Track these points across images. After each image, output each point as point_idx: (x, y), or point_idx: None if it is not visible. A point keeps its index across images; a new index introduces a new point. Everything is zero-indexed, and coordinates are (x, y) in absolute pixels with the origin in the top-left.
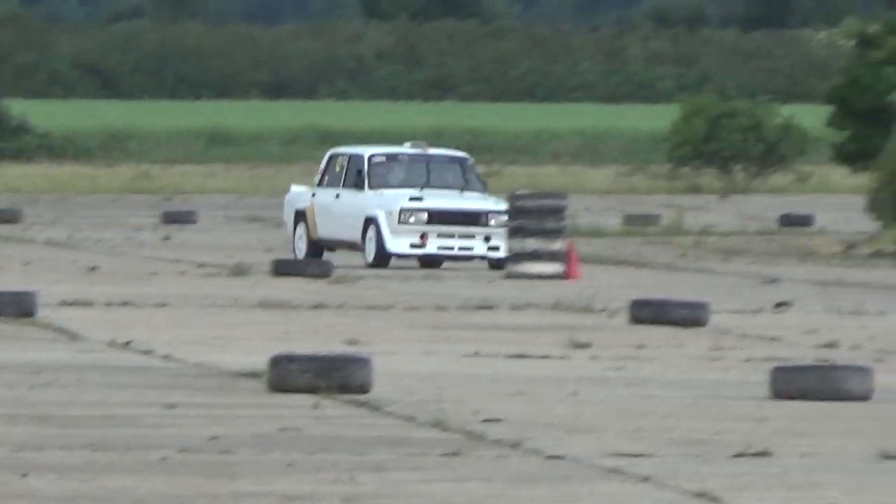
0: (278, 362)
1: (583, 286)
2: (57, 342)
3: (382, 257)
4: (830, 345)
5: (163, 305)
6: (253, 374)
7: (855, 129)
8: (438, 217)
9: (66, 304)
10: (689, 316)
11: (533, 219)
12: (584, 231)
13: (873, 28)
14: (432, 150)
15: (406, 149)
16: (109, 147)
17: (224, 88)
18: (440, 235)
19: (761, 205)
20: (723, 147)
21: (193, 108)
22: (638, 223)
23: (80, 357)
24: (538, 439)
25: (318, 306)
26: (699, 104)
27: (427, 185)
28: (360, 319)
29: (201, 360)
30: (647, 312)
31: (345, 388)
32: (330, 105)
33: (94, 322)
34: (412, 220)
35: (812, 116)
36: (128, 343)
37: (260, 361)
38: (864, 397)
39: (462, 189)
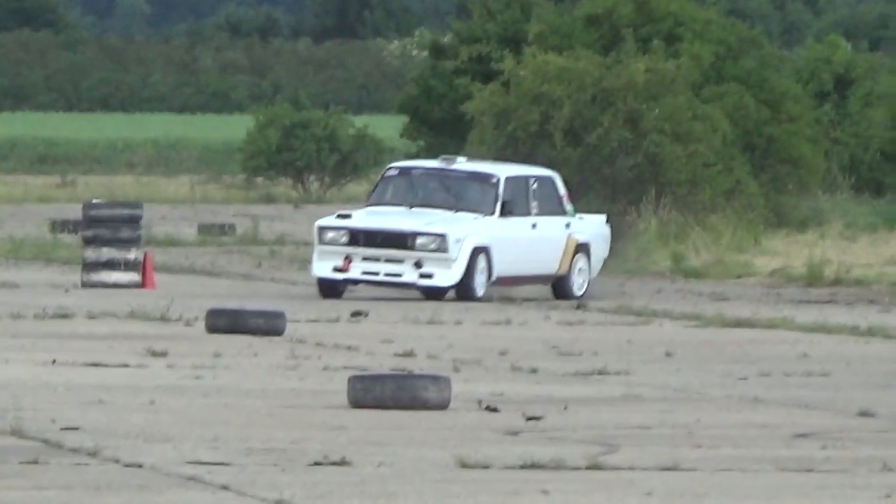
0: None
1: (159, 295)
2: None
3: (320, 285)
4: (407, 354)
5: None
6: None
7: (429, 140)
8: (364, 238)
9: None
10: (265, 325)
11: (108, 228)
12: (159, 240)
13: (445, 38)
14: (457, 166)
15: (426, 162)
16: None
17: None
18: (365, 259)
19: None
20: (297, 157)
21: None
22: (213, 233)
23: None
24: (117, 447)
25: None
26: (273, 114)
27: (423, 202)
28: None
29: None
30: (224, 321)
31: None
32: None
33: None
34: (329, 239)
35: (386, 127)
36: None
37: None
38: (441, 406)
39: (456, 209)
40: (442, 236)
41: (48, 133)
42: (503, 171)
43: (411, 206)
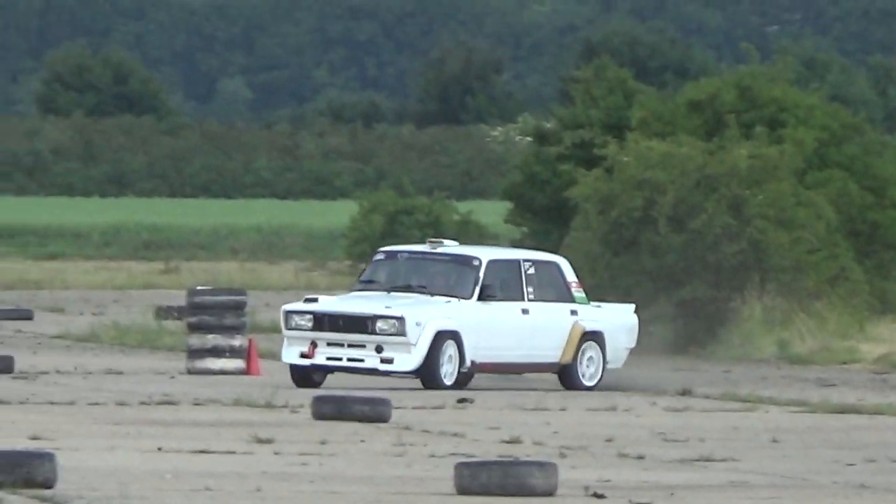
0: None
1: (264, 382)
2: None
3: (291, 372)
4: (514, 440)
5: None
6: None
7: (533, 225)
8: (329, 322)
9: None
10: (371, 412)
11: (213, 315)
12: (264, 327)
13: (548, 124)
14: (443, 249)
15: (414, 247)
16: None
17: None
18: (330, 344)
19: None
20: (401, 243)
21: None
22: None
23: None
24: None
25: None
26: (377, 200)
27: (403, 286)
28: (44, 415)
29: None
30: (330, 408)
31: (29, 484)
32: (8, 201)
33: None
34: (294, 324)
35: (490, 212)
36: None
37: None
38: (548, 493)
39: (433, 293)
40: (400, 319)
41: (151, 219)
42: (487, 254)
43: (389, 291)
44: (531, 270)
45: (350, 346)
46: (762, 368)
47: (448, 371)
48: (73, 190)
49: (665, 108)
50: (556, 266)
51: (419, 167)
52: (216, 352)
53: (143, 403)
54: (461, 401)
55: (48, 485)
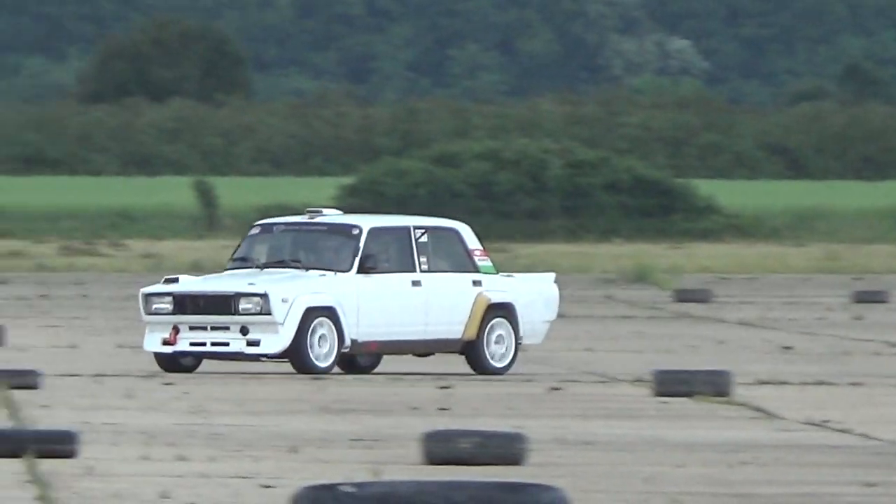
0: None
1: None
2: (753, 421)
3: (157, 360)
4: None
5: (857, 385)
6: None
7: None
8: (189, 304)
9: (761, 383)
10: None
11: None
12: None
13: None
14: (322, 219)
15: (291, 218)
16: (797, 227)
17: None
18: (193, 328)
19: None
20: None
21: (879, 188)
22: None
23: (777, 436)
24: None
25: None
26: None
27: (276, 261)
28: None
29: None
30: None
31: None
32: None
33: (790, 401)
34: (154, 308)
35: None
36: (824, 422)
37: None
38: None
39: (308, 267)
40: (264, 296)
41: None
42: (369, 221)
43: (262, 267)
44: (423, 238)
45: (213, 328)
46: None
47: (322, 353)
48: None
49: None
50: (455, 232)
51: None
52: None
53: None
54: None
55: None
